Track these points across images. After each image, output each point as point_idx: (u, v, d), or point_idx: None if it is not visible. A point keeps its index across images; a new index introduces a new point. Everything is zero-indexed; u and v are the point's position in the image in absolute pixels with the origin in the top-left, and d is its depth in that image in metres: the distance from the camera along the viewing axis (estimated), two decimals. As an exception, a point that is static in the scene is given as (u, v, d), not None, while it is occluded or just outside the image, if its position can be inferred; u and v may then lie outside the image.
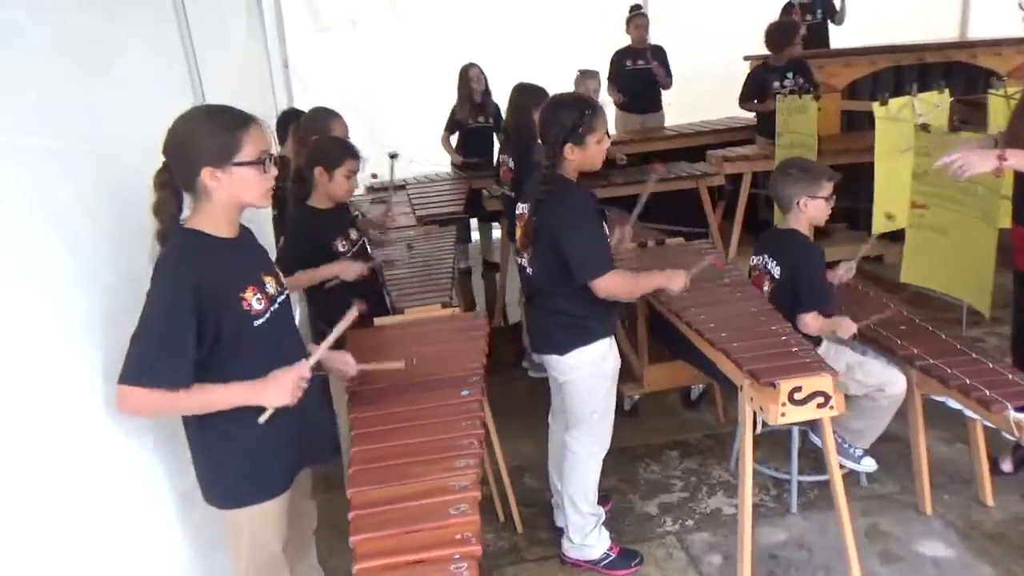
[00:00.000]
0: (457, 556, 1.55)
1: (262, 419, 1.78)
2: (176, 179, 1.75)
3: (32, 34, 1.76)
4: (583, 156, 2.45)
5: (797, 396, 2.19)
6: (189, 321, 1.66)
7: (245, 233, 1.90)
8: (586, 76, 5.00)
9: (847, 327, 2.73)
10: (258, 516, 1.87)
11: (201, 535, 2.08)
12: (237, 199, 1.77)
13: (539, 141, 2.54)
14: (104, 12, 2.22)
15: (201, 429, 1.82)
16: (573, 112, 2.42)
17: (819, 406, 2.21)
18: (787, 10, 6.01)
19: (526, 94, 3.93)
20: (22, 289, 1.57)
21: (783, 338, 2.46)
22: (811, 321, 2.74)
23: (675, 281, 2.52)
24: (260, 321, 1.80)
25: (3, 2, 1.68)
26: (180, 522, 2.02)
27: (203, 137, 1.72)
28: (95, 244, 1.86)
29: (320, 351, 1.91)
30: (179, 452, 1.92)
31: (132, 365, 1.65)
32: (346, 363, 2.12)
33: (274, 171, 1.81)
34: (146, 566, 1.88)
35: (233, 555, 1.93)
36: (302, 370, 1.82)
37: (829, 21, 6.22)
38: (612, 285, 2.40)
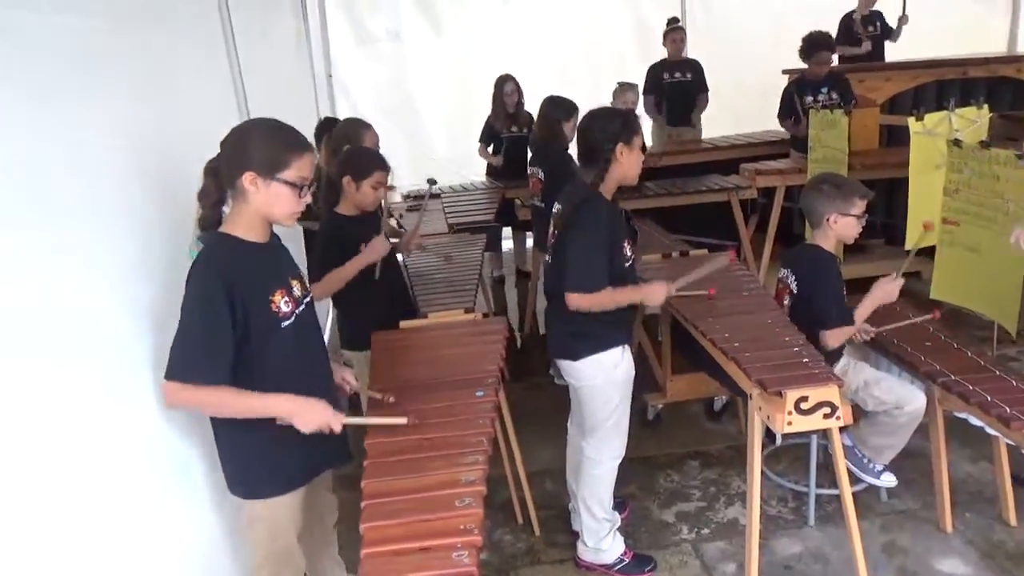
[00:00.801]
0: (459, 545, 1.62)
1: (279, 421, 1.89)
2: (221, 173, 1.87)
3: (101, 41, 1.90)
4: (630, 159, 2.53)
5: (803, 406, 2.21)
6: (225, 319, 1.78)
7: (275, 239, 2.01)
8: (625, 88, 5.07)
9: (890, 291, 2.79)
10: (275, 508, 1.97)
11: (237, 522, 2.17)
12: (267, 210, 1.88)
13: (570, 154, 2.61)
14: (158, 22, 2.38)
15: (226, 424, 1.93)
16: (616, 117, 2.55)
17: (825, 416, 2.23)
18: (847, 21, 6.00)
19: (556, 106, 4.01)
20: (79, 285, 1.69)
21: (795, 349, 2.48)
22: (832, 339, 2.74)
23: (653, 295, 2.59)
24: (287, 323, 1.90)
25: (81, 9, 1.82)
26: (216, 514, 2.15)
27: (259, 144, 1.84)
28: (159, 242, 2.00)
29: (353, 421, 2.02)
30: (214, 444, 2.03)
31: (175, 362, 1.77)
32: (347, 381, 2.23)
33: (308, 199, 1.92)
34: (184, 554, 2.00)
35: (251, 544, 2.04)
36: (336, 421, 1.92)
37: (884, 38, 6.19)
38: (583, 302, 2.48)
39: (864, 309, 2.80)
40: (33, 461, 1.46)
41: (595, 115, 2.60)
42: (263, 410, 1.86)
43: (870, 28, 6.06)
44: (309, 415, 1.88)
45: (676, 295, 2.69)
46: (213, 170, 1.88)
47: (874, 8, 6.07)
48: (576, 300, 2.47)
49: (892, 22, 6.11)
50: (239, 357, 1.83)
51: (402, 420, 2.07)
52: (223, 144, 1.88)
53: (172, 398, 1.81)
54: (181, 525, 1.99)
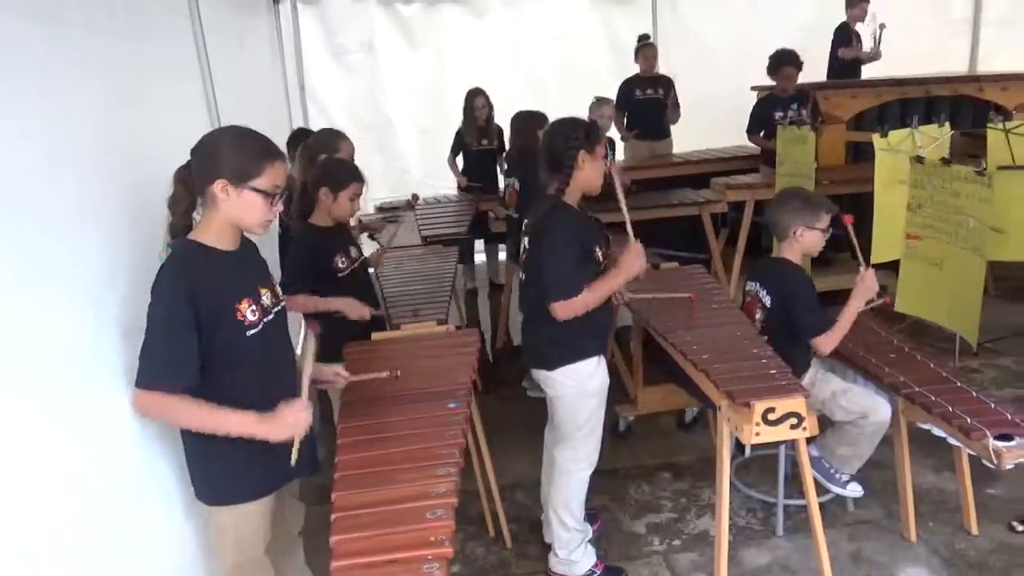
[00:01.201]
0: (429, 557, 1.62)
1: (293, 460, 1.90)
2: (192, 180, 1.86)
3: (72, 50, 1.89)
4: (592, 168, 2.56)
5: (771, 417, 2.24)
6: (189, 325, 1.77)
7: (247, 246, 2.00)
8: (601, 103, 5.13)
9: (869, 287, 2.84)
10: (241, 517, 1.96)
11: (206, 534, 2.17)
12: (237, 218, 1.88)
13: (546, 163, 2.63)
14: (130, 32, 2.37)
15: (193, 433, 1.90)
16: (579, 126, 2.58)
17: (792, 427, 2.27)
18: (844, 30, 6.14)
19: (529, 120, 4.06)
20: (61, 290, 1.70)
21: (763, 361, 2.52)
22: (825, 345, 2.80)
23: (632, 264, 2.52)
24: (253, 332, 1.89)
25: (53, 18, 1.82)
26: (187, 521, 2.13)
27: (231, 152, 1.84)
28: (125, 250, 1.99)
29: (306, 383, 1.99)
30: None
31: (142, 369, 1.76)
32: (338, 375, 2.25)
33: (280, 207, 1.92)
34: (156, 562, 1.99)
35: (219, 555, 2.02)
36: (302, 407, 1.90)
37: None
38: (569, 309, 2.47)
39: (853, 307, 2.84)
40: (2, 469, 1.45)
41: (558, 124, 2.64)
42: (227, 428, 1.84)
43: (859, 45, 6.20)
44: (277, 429, 1.86)
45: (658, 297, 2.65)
46: (183, 177, 1.87)
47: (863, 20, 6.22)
48: (561, 309, 2.46)
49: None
50: (205, 365, 1.82)
51: (384, 373, 2.09)
52: (194, 151, 1.87)
53: (141, 406, 1.81)
54: (152, 532, 1.98)
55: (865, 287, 2.86)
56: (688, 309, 2.96)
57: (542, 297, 2.49)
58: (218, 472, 1.94)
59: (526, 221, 2.72)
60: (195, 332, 1.78)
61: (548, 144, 2.62)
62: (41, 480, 1.55)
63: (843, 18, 6.20)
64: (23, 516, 1.48)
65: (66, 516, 1.62)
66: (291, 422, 1.87)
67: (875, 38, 6.19)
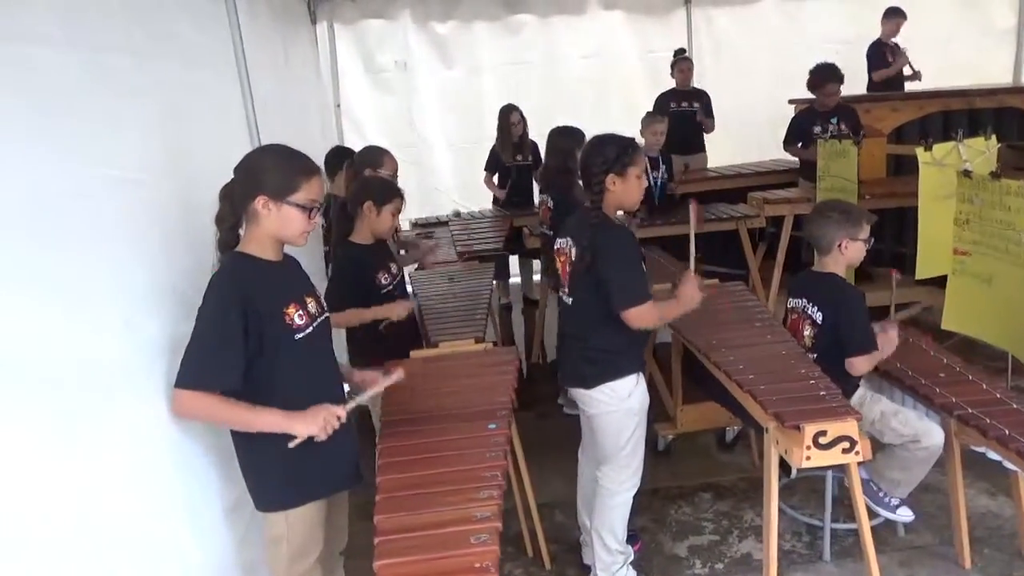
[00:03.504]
0: (475, 584, 1.59)
1: (292, 444, 1.91)
2: (235, 197, 1.94)
3: (113, 74, 1.94)
4: (624, 189, 2.55)
5: (822, 440, 2.18)
6: (236, 330, 1.83)
7: (289, 260, 2.08)
8: (653, 119, 5.09)
9: (893, 339, 2.86)
10: (296, 524, 2.00)
11: (245, 544, 2.21)
12: (278, 231, 1.96)
13: (579, 181, 2.63)
14: (171, 55, 2.41)
15: (246, 436, 1.97)
16: (616, 145, 2.55)
17: (844, 451, 2.20)
18: (878, 47, 6.08)
19: (566, 136, 4.03)
20: (100, 306, 1.73)
21: (811, 381, 2.46)
22: (861, 364, 2.75)
23: (692, 298, 2.53)
24: (301, 336, 1.96)
25: (95, 43, 1.87)
26: (229, 531, 2.17)
27: (271, 169, 1.94)
28: (163, 270, 2.04)
29: (357, 401, 2.07)
30: (230, 465, 2.06)
31: (185, 370, 1.83)
32: (376, 381, 2.28)
33: (318, 220, 2.01)
34: (195, 565, 2.01)
35: (271, 567, 2.05)
36: (339, 411, 1.96)
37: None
38: (645, 316, 2.48)
39: (879, 355, 2.80)
40: (52, 480, 1.49)
41: (594, 142, 2.63)
42: (257, 424, 1.89)
43: (891, 58, 6.13)
44: (305, 423, 1.91)
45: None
46: (228, 194, 1.95)
47: (896, 41, 6.14)
48: (638, 314, 2.46)
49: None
50: (253, 367, 1.88)
51: (398, 376, 2.14)
52: (236, 170, 1.95)
53: (179, 406, 1.87)
54: (188, 547, 2.00)
55: (888, 341, 2.86)
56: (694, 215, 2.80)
57: (616, 307, 2.46)
58: (270, 477, 1.99)
59: (561, 242, 2.70)
60: (242, 337, 1.84)
61: (582, 162, 2.64)
62: (73, 497, 1.57)
63: (878, 32, 6.12)
64: (57, 533, 1.50)
65: (99, 533, 1.64)
66: (320, 422, 1.91)
67: (909, 63, 6.09)
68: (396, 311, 2.91)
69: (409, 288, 3.39)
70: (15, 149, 1.51)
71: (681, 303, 2.54)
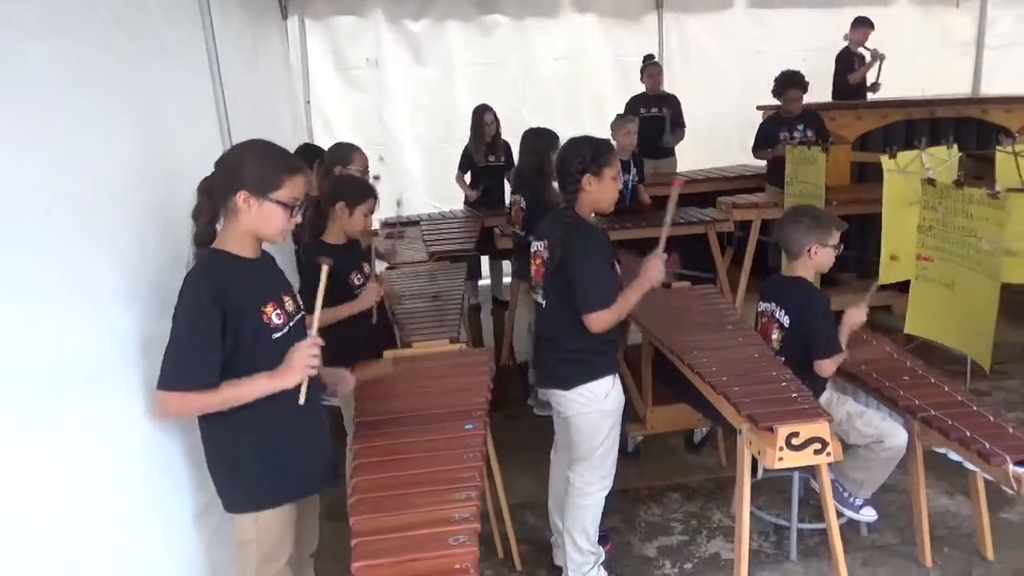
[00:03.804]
0: (454, 585, 1.59)
1: (301, 399, 1.91)
2: (214, 192, 1.90)
3: (86, 66, 1.89)
4: (600, 189, 2.56)
5: (794, 441, 2.22)
6: (214, 327, 1.81)
7: (267, 257, 2.05)
8: (624, 120, 5.11)
9: (857, 316, 2.93)
10: (267, 527, 1.96)
11: (214, 545, 2.18)
12: (257, 228, 1.93)
13: (554, 183, 2.63)
14: (144, 49, 2.36)
15: (216, 438, 1.94)
16: (592, 146, 2.56)
17: (816, 452, 2.24)
18: (847, 55, 6.19)
19: (540, 137, 4.04)
20: (69, 305, 1.69)
21: (783, 384, 2.50)
22: (828, 367, 2.81)
23: (652, 272, 2.53)
24: (278, 335, 1.93)
25: (82, 35, 1.84)
26: (198, 532, 2.13)
27: (254, 164, 1.90)
28: (138, 264, 1.99)
29: (315, 320, 2.01)
30: (201, 467, 2.02)
31: (166, 372, 1.80)
32: (344, 378, 2.29)
33: (298, 218, 1.97)
34: (164, 569, 1.98)
35: (241, 570, 2.01)
36: (307, 344, 1.92)
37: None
38: (606, 320, 2.48)
39: (843, 338, 2.88)
40: (23, 479, 1.47)
41: (570, 143, 2.64)
42: (251, 393, 1.87)
43: (857, 66, 6.25)
44: (291, 374, 1.89)
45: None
46: (206, 188, 1.91)
47: (862, 50, 6.27)
48: (598, 319, 2.47)
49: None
50: (230, 366, 1.86)
51: (389, 368, 2.14)
52: (218, 163, 1.92)
53: (164, 408, 1.84)
54: (157, 546, 1.97)
55: (854, 319, 2.95)
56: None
57: (581, 308, 2.47)
58: (241, 478, 1.96)
59: (537, 244, 2.70)
60: (220, 334, 1.82)
61: (558, 163, 2.64)
62: (43, 492, 1.55)
63: (844, 42, 6.25)
64: (25, 527, 1.48)
65: (69, 527, 1.61)
66: (303, 363, 1.90)
67: (876, 70, 6.23)
68: (368, 300, 2.88)
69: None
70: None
71: (642, 281, 2.53)
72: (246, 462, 1.94)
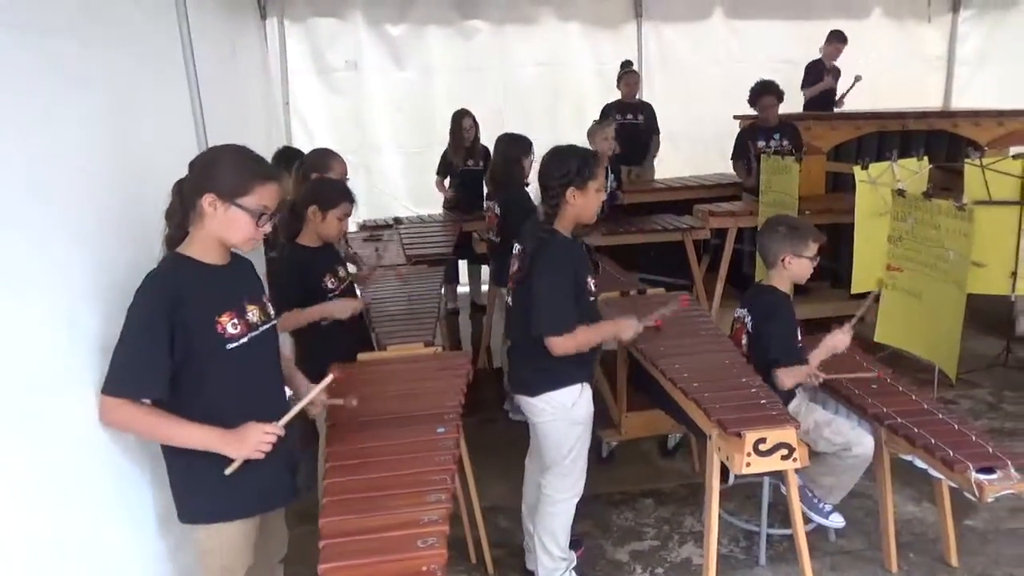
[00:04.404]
0: (421, 588, 1.59)
1: (228, 470, 1.86)
2: (184, 192, 1.87)
3: (60, 61, 1.87)
4: (584, 203, 2.53)
5: (762, 447, 2.25)
6: (162, 335, 1.76)
7: (238, 262, 2.00)
8: (603, 125, 5.12)
9: (840, 342, 2.87)
10: (224, 540, 1.93)
11: (179, 555, 2.13)
12: (221, 233, 1.88)
13: (526, 188, 2.64)
14: (119, 46, 2.34)
15: (176, 448, 1.88)
16: (578, 159, 2.53)
17: (783, 458, 2.27)
18: (816, 65, 6.29)
19: (513, 143, 4.03)
20: (36, 301, 1.67)
21: (752, 390, 2.53)
22: (785, 377, 2.79)
23: (625, 329, 2.60)
24: (233, 345, 1.88)
25: (55, 27, 1.82)
26: (160, 539, 2.09)
27: (224, 168, 1.86)
28: (106, 264, 1.95)
29: (290, 415, 1.98)
30: (162, 475, 1.98)
31: (111, 376, 1.76)
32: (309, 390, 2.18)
33: (268, 228, 1.92)
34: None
35: None
36: (271, 429, 1.89)
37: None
38: (563, 345, 2.47)
39: (816, 356, 2.87)
40: None
41: (553, 154, 2.60)
42: (195, 442, 1.83)
43: (827, 77, 6.35)
44: (242, 443, 1.85)
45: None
46: (179, 190, 1.88)
47: (835, 63, 6.36)
48: (557, 344, 2.46)
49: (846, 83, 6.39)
50: (180, 377, 1.81)
51: (339, 401, 2.04)
52: (192, 164, 1.89)
53: (106, 414, 1.79)
54: (122, 550, 1.93)
55: (836, 341, 2.89)
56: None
57: (535, 329, 2.47)
58: (199, 490, 1.91)
59: (517, 247, 2.70)
60: (168, 344, 1.77)
61: (541, 173, 2.60)
62: (4, 492, 1.52)
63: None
64: None
65: (32, 530, 1.59)
66: (253, 442, 1.86)
67: (847, 88, 6.32)
68: (337, 309, 2.85)
69: (358, 292, 3.35)
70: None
71: (613, 326, 2.62)
72: (205, 473, 1.88)
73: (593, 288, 2.61)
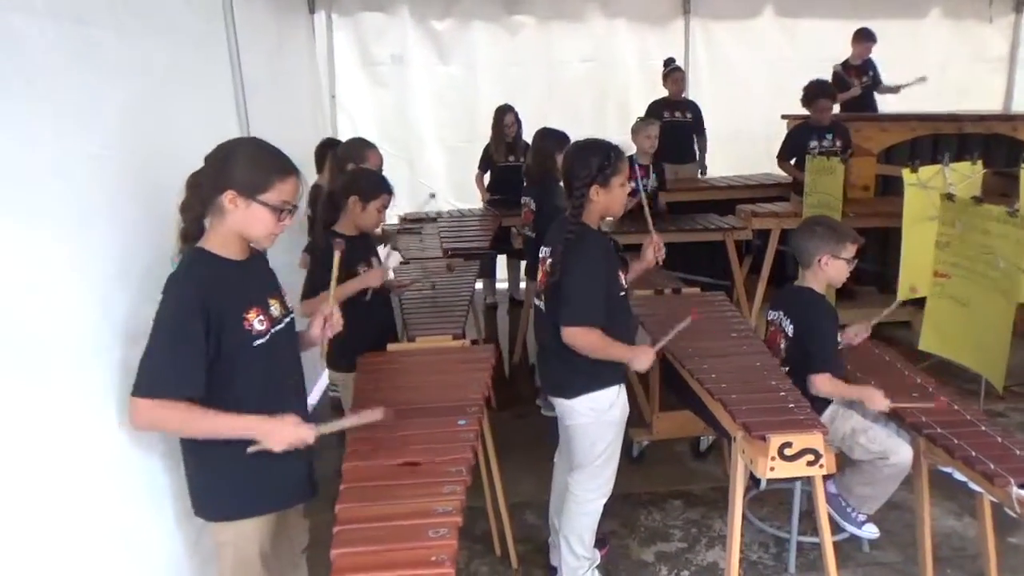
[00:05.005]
0: (429, 576, 1.59)
1: (251, 449, 1.85)
2: (202, 188, 1.85)
3: (99, 49, 1.92)
4: (608, 199, 2.51)
5: (787, 452, 2.19)
6: (198, 333, 1.75)
7: (256, 256, 1.99)
8: (647, 123, 5.08)
9: (878, 402, 2.70)
10: (243, 533, 1.94)
11: (199, 546, 2.18)
12: (243, 229, 1.88)
13: (561, 186, 2.61)
14: (160, 34, 2.40)
15: (194, 444, 1.89)
16: (599, 154, 2.48)
17: (809, 463, 2.21)
18: (838, 73, 6.08)
19: (549, 139, 4.02)
20: (52, 296, 1.69)
21: (781, 393, 2.47)
22: (821, 384, 2.73)
23: (640, 360, 2.50)
24: (260, 341, 1.88)
25: (80, 16, 1.84)
26: (181, 530, 2.13)
27: (243, 164, 1.84)
28: (137, 254, 1.99)
29: (328, 428, 1.99)
30: (181, 466, 2.00)
31: (144, 377, 1.74)
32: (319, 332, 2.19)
33: (288, 222, 1.91)
34: (151, 572, 1.99)
35: (219, 570, 2.00)
36: (309, 434, 1.89)
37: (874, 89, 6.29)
38: (580, 338, 2.42)
39: (848, 391, 2.78)
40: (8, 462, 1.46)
41: (576, 150, 2.57)
42: (232, 431, 1.82)
43: (864, 78, 6.15)
44: (279, 434, 1.85)
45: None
46: (195, 184, 1.86)
47: (868, 57, 6.17)
48: (571, 335, 2.42)
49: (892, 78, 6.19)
50: (211, 373, 1.80)
51: (378, 415, 2.02)
52: (207, 159, 1.87)
53: (139, 417, 1.76)
54: (142, 542, 1.97)
55: (869, 399, 2.75)
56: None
57: (558, 319, 2.44)
58: (219, 487, 1.92)
59: (544, 250, 2.68)
60: (203, 341, 1.76)
61: (564, 170, 2.58)
62: (30, 481, 1.55)
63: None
64: (6, 517, 1.48)
65: (54, 519, 1.61)
66: (289, 439, 1.86)
67: (908, 82, 6.11)
68: (372, 278, 2.87)
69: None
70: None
71: (630, 352, 2.51)
72: (224, 471, 1.89)
73: (624, 283, 2.58)
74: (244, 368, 1.85)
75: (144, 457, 1.98)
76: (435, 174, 6.57)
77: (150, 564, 2.00)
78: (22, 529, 1.51)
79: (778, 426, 2.26)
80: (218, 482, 1.91)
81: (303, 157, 4.10)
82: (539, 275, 2.71)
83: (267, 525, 1.98)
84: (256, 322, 1.87)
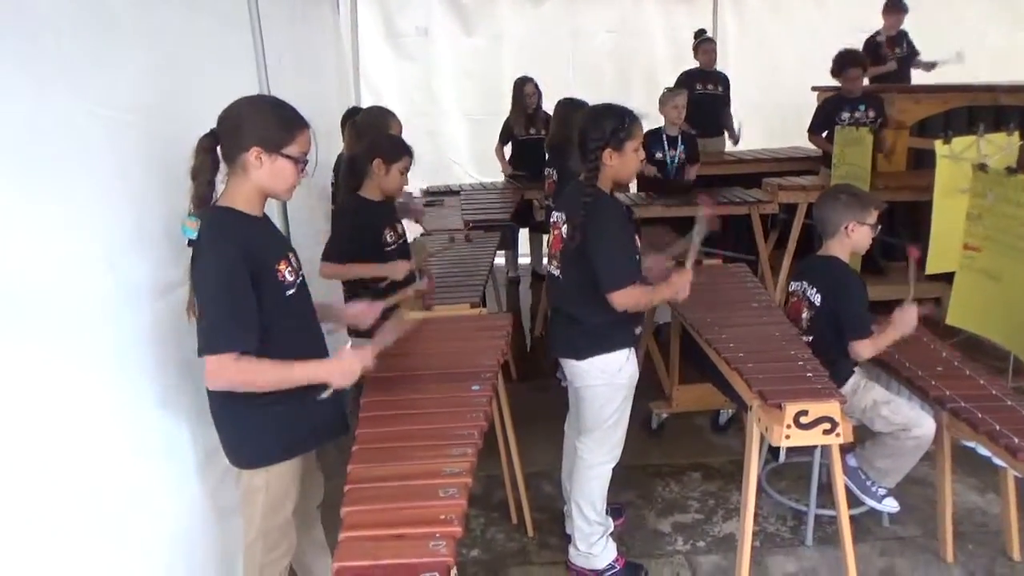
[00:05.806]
0: (437, 534, 1.60)
1: (323, 395, 1.92)
2: (221, 149, 1.88)
3: (116, 14, 1.92)
4: (621, 163, 2.49)
5: (803, 420, 2.17)
6: (247, 286, 1.81)
7: (266, 217, 2.03)
8: (675, 93, 4.99)
9: (909, 320, 2.74)
10: (277, 477, 1.98)
11: (219, 495, 2.23)
12: (268, 185, 1.91)
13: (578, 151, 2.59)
14: (184, 3, 2.40)
15: (224, 394, 1.91)
16: (613, 118, 2.47)
17: (825, 432, 2.18)
18: (872, 42, 5.94)
19: (572, 107, 3.99)
20: (84, 243, 1.73)
21: (800, 363, 2.44)
22: (863, 349, 2.72)
23: (682, 286, 2.51)
24: (291, 292, 1.94)
25: None
26: (201, 481, 2.18)
27: (263, 121, 1.87)
28: (158, 211, 2.02)
29: (380, 344, 2.09)
30: (202, 417, 2.04)
31: (210, 336, 1.78)
32: (363, 313, 2.32)
33: (307, 173, 1.96)
34: (166, 521, 2.02)
35: (247, 518, 2.04)
36: (367, 357, 1.98)
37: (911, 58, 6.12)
38: (626, 299, 2.43)
39: (886, 339, 2.76)
40: (29, 415, 1.50)
41: (590, 114, 2.55)
42: (305, 378, 1.90)
43: (896, 50, 5.99)
44: (345, 369, 1.94)
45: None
46: (208, 146, 1.88)
47: (901, 28, 6.00)
48: (620, 298, 2.42)
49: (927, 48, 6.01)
50: None
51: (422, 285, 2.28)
52: (221, 122, 1.88)
53: (217, 374, 1.80)
54: (161, 492, 2.01)
55: (904, 322, 2.76)
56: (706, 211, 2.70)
57: (603, 287, 2.43)
58: (253, 435, 1.96)
59: (558, 208, 2.66)
60: (253, 292, 1.81)
61: (579, 134, 2.56)
62: (48, 435, 1.58)
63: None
64: (29, 471, 1.51)
65: (73, 472, 1.64)
66: (355, 368, 1.95)
67: (944, 59, 5.94)
68: (398, 270, 2.92)
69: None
70: (5, 83, 1.50)
71: (670, 288, 2.51)
72: (255, 417, 1.92)
73: (639, 246, 2.57)
74: (281, 318, 1.90)
75: (160, 405, 2.02)
76: (458, 147, 6.55)
77: (168, 519, 2.03)
78: (39, 487, 1.54)
79: (794, 394, 2.24)
80: (257, 429, 1.95)
81: (328, 128, 4.11)
82: (552, 239, 2.71)
83: (299, 467, 2.03)
84: (287, 272, 1.93)
